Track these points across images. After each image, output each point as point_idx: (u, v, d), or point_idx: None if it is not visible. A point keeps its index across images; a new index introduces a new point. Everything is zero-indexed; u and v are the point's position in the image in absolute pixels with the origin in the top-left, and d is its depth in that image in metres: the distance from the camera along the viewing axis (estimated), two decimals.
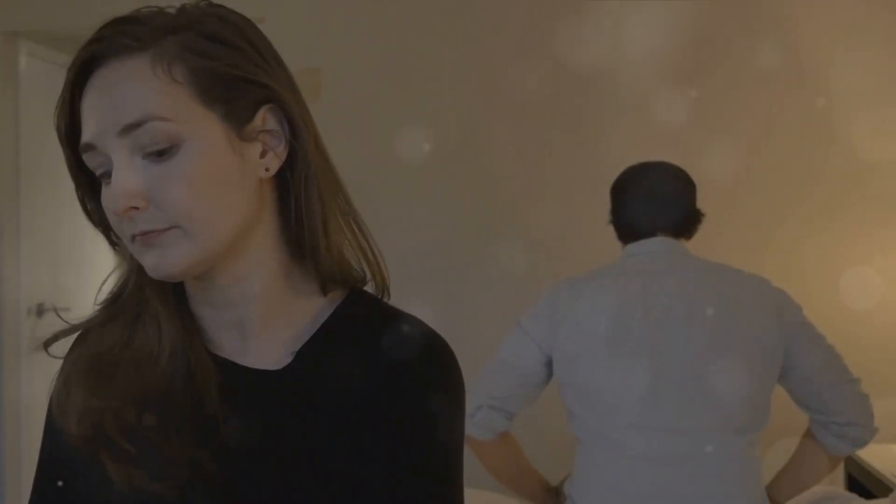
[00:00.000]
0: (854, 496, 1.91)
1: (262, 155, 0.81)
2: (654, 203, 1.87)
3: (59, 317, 0.88)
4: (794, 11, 2.80)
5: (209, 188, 0.77)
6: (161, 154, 0.76)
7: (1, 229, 3.16)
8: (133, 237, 0.78)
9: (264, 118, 0.80)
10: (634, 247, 1.87)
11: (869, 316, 2.72)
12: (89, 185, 0.82)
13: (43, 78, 3.33)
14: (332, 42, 2.93)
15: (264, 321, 0.84)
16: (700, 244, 1.91)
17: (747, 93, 2.82)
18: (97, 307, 0.86)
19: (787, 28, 2.81)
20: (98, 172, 0.79)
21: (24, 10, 3.11)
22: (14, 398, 3.19)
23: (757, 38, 2.81)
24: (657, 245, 1.85)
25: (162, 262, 0.77)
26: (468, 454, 0.88)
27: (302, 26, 2.86)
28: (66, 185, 0.85)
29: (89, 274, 3.45)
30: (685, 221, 1.87)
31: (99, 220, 0.84)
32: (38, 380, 3.24)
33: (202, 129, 0.77)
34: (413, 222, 2.90)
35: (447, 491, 0.81)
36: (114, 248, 0.86)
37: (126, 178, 0.76)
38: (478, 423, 1.86)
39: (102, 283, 0.87)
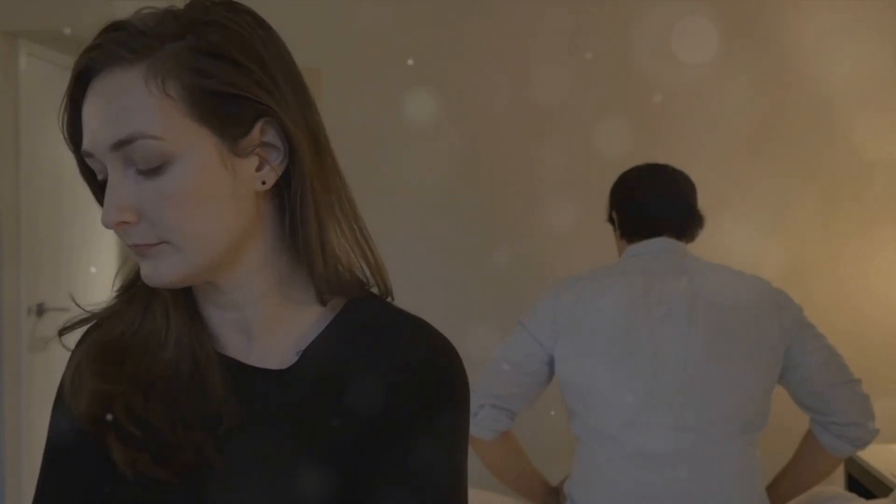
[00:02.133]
0: (854, 496, 1.91)
1: (259, 168, 0.80)
2: (659, 204, 1.88)
3: (75, 302, 0.88)
4: (795, 11, 2.80)
5: (200, 206, 0.77)
6: (153, 170, 0.76)
7: (1, 229, 3.15)
8: (129, 245, 0.79)
9: (262, 131, 0.79)
10: (637, 247, 1.87)
11: (869, 315, 2.72)
12: (94, 180, 0.83)
13: (43, 78, 3.33)
14: (332, 42, 2.93)
15: (267, 324, 0.84)
16: (700, 244, 1.91)
17: (747, 93, 2.82)
18: (113, 294, 0.87)
19: (787, 28, 2.81)
20: (99, 178, 0.80)
21: (24, 10, 3.11)
22: (14, 398, 3.19)
23: (757, 37, 2.81)
24: (660, 245, 1.85)
25: (154, 272, 0.79)
26: (470, 455, 0.87)
27: (302, 26, 2.86)
28: (67, 185, 0.86)
29: (89, 274, 3.45)
30: (689, 223, 1.88)
31: None
32: (38, 380, 3.23)
33: (194, 146, 0.76)
34: (414, 222, 2.90)
35: (451, 491, 0.81)
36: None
37: (117, 194, 0.76)
38: (480, 422, 1.87)
39: (117, 273, 0.89)
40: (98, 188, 0.83)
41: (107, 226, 0.77)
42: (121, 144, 0.75)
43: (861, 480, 2.35)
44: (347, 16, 2.95)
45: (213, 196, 0.77)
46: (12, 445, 3.19)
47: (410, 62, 2.90)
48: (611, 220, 1.96)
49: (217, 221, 0.78)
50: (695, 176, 1.92)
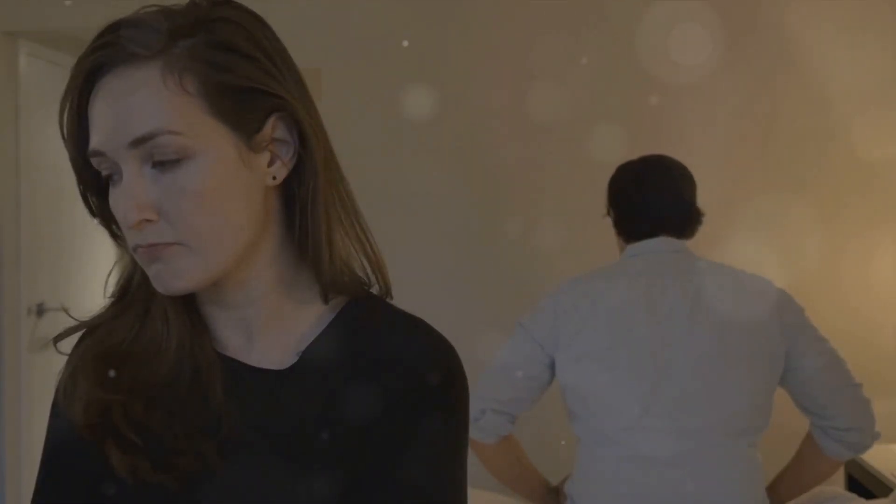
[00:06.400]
0: (854, 496, 1.91)
1: (270, 163, 0.80)
2: (656, 203, 1.85)
3: (69, 314, 0.88)
4: (794, 11, 2.80)
5: (219, 204, 0.77)
6: (171, 163, 0.75)
7: (1, 229, 3.15)
8: (136, 248, 0.78)
9: (274, 126, 0.80)
10: (636, 247, 1.86)
11: (869, 316, 2.72)
12: (93, 182, 0.82)
13: (43, 78, 3.33)
14: (332, 42, 2.93)
15: (269, 322, 0.84)
16: (701, 244, 1.91)
17: (747, 92, 2.82)
18: (107, 300, 0.87)
19: (787, 28, 2.81)
20: (105, 173, 0.79)
21: (24, 10, 3.11)
22: (14, 398, 3.19)
23: (757, 37, 2.81)
24: (659, 245, 1.84)
25: (170, 276, 0.78)
26: (469, 455, 0.87)
27: (302, 26, 2.86)
28: (67, 185, 0.85)
29: (89, 274, 3.45)
30: (687, 221, 1.86)
31: (101, 214, 0.84)
32: (38, 380, 3.24)
33: (213, 142, 0.76)
34: (414, 223, 2.90)
35: (451, 491, 0.81)
36: (115, 241, 0.86)
37: (136, 192, 0.75)
38: (482, 426, 1.86)
39: (108, 276, 0.88)
40: (90, 184, 0.82)
41: (127, 225, 0.76)
42: (141, 141, 0.75)
43: (861, 481, 2.35)
44: (347, 16, 2.95)
45: (232, 192, 0.77)
46: (12, 445, 3.19)
47: (411, 62, 2.90)
48: (609, 214, 1.94)
49: (235, 218, 0.78)
50: (695, 176, 1.91)
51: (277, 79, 0.79)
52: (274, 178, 0.81)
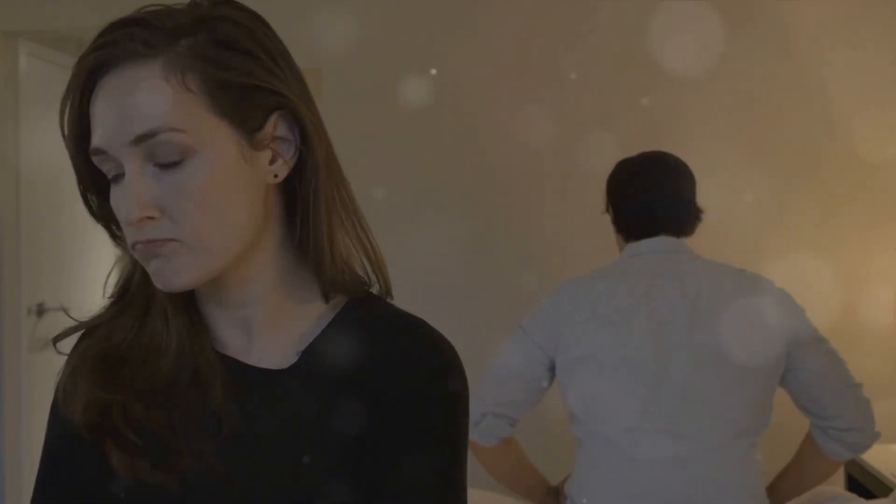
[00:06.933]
0: (854, 496, 1.91)
1: (272, 161, 0.81)
2: (655, 202, 1.85)
3: (68, 315, 0.88)
4: (794, 10, 2.80)
5: (220, 201, 0.77)
6: (173, 161, 0.75)
7: (1, 229, 3.15)
8: (134, 244, 0.78)
9: (275, 124, 0.80)
10: (636, 247, 1.85)
11: (869, 316, 2.71)
12: (93, 181, 0.82)
13: (43, 78, 3.33)
14: (333, 42, 2.93)
15: (269, 321, 0.84)
16: (701, 245, 1.90)
17: (747, 92, 2.82)
18: (107, 301, 0.87)
19: (786, 27, 2.81)
20: (110, 176, 0.79)
21: (24, 10, 3.10)
22: (14, 398, 3.19)
23: (757, 37, 2.81)
24: (659, 245, 1.83)
25: (170, 273, 0.78)
26: (469, 455, 0.87)
27: (302, 26, 2.85)
28: (66, 185, 0.85)
29: (89, 274, 3.45)
30: (687, 220, 1.86)
31: (101, 214, 0.84)
32: (39, 379, 3.23)
33: (215, 139, 0.77)
34: (414, 223, 2.89)
35: (451, 491, 0.81)
36: (115, 241, 0.86)
37: (138, 190, 0.76)
38: (483, 430, 1.85)
39: (108, 276, 0.88)
40: (90, 183, 0.82)
41: (128, 222, 0.77)
42: (143, 138, 0.75)
43: (861, 481, 2.35)
44: (347, 16, 2.95)
45: (234, 190, 0.78)
46: (12, 445, 3.19)
47: (411, 63, 2.90)
48: (608, 210, 1.94)
49: (236, 216, 0.78)
50: (696, 174, 1.90)
51: (279, 77, 0.80)
52: (275, 176, 0.81)
